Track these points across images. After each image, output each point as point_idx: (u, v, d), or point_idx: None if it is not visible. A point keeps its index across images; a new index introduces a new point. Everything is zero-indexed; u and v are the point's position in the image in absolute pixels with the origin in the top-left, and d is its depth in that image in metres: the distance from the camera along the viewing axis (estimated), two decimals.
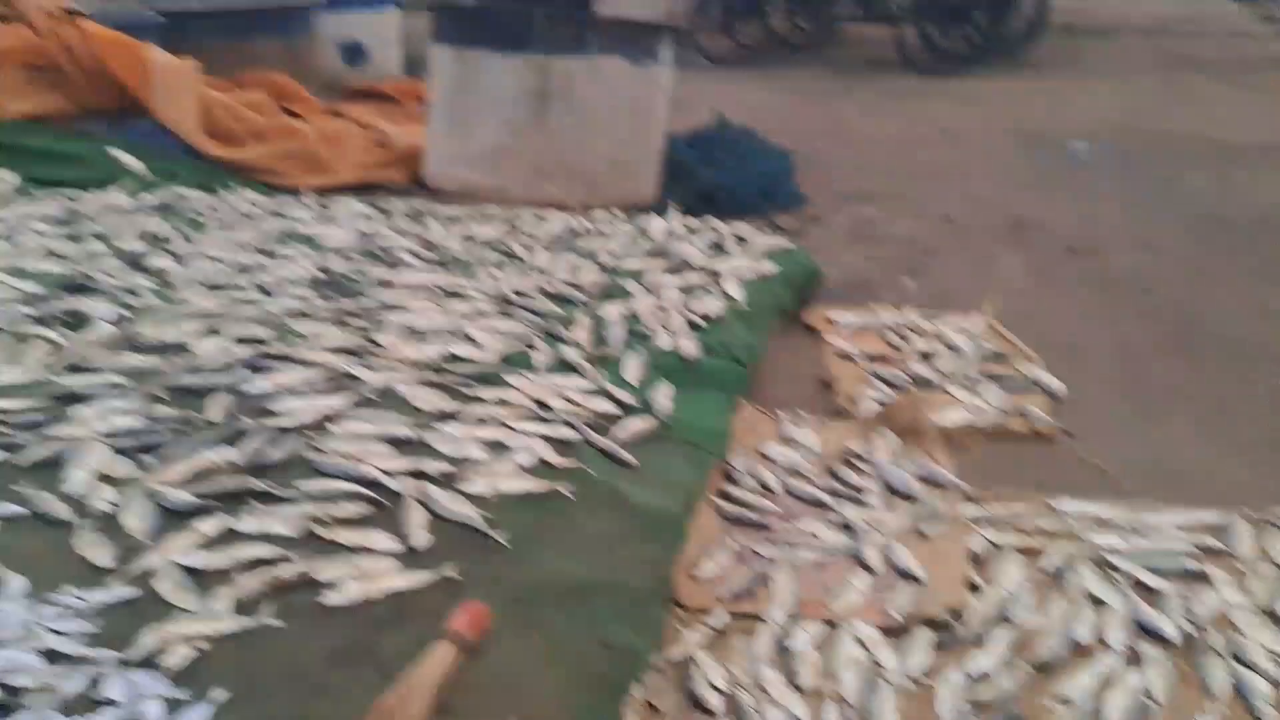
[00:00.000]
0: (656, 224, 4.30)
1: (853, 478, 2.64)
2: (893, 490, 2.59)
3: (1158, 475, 2.77)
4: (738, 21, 11.10)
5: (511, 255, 4.02)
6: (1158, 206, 5.43)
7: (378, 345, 3.01)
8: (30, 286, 3.35)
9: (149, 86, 5.11)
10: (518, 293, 3.52)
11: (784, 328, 3.64)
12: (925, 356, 3.42)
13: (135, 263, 3.69)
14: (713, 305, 3.44)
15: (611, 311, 3.37)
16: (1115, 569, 2.27)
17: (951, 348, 3.48)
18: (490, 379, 2.82)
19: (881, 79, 9.37)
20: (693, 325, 3.31)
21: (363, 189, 5.15)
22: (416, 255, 3.94)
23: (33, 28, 5.16)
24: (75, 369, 2.74)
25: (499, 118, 4.98)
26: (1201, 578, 2.27)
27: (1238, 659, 2.00)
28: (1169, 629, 2.07)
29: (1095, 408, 3.18)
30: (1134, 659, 2.00)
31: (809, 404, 3.08)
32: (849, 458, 2.73)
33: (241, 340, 3.00)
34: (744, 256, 3.95)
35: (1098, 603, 2.16)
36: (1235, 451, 2.94)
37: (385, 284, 3.59)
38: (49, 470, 2.25)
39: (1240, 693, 1.92)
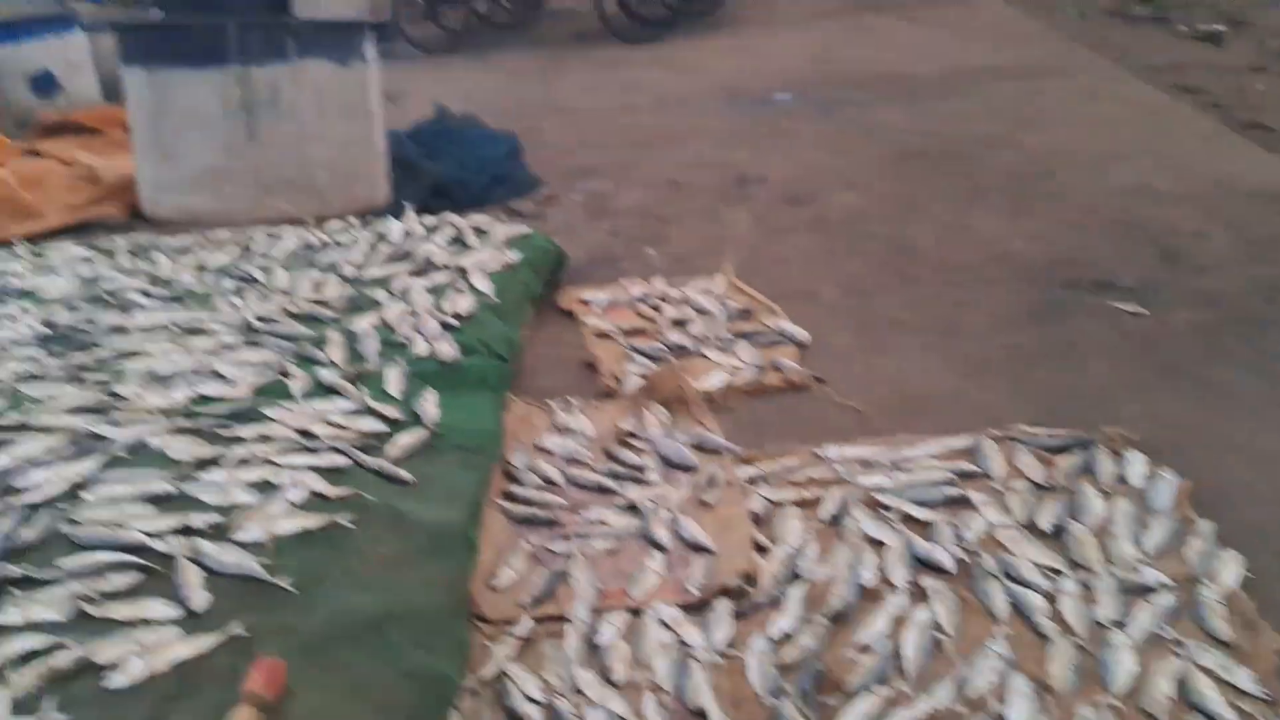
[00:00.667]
0: (394, 227, 4.29)
1: (631, 457, 2.76)
2: (670, 463, 2.73)
3: (905, 408, 3.00)
4: (442, 6, 11.03)
5: (250, 280, 3.91)
6: (859, 147, 5.87)
7: (120, 398, 2.90)
8: None
9: None
10: (262, 319, 3.46)
11: (538, 315, 3.74)
12: (678, 324, 3.59)
13: None
14: (463, 303, 3.49)
15: (363, 324, 3.37)
16: (886, 508, 2.47)
17: (701, 312, 3.68)
18: (247, 415, 2.78)
19: (591, 51, 9.57)
20: (446, 326, 3.34)
21: (78, 230, 4.87)
22: (147, 294, 3.80)
23: None
24: None
25: (206, 137, 4.80)
26: (964, 503, 2.49)
27: (1010, 577, 2.21)
28: (945, 559, 2.28)
29: (837, 350, 3.41)
30: (920, 594, 2.18)
31: (576, 389, 3.19)
32: (624, 437, 2.85)
33: None
34: (486, 248, 4.01)
35: (876, 544, 2.35)
36: (969, 373, 3.23)
37: (119, 330, 3.45)
38: None
39: (1019, 611, 2.12)
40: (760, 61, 8.49)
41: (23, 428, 2.73)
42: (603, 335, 3.56)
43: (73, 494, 2.41)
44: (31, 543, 2.23)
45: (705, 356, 3.36)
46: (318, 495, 2.39)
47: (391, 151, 5.15)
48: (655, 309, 3.73)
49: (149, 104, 4.88)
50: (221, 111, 4.74)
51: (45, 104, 9.05)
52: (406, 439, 2.68)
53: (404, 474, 2.51)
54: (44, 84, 9.18)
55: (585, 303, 3.83)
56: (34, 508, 2.35)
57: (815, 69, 8.00)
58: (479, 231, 4.23)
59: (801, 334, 3.49)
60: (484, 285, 3.65)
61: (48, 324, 3.53)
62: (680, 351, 3.41)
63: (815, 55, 8.53)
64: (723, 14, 10.51)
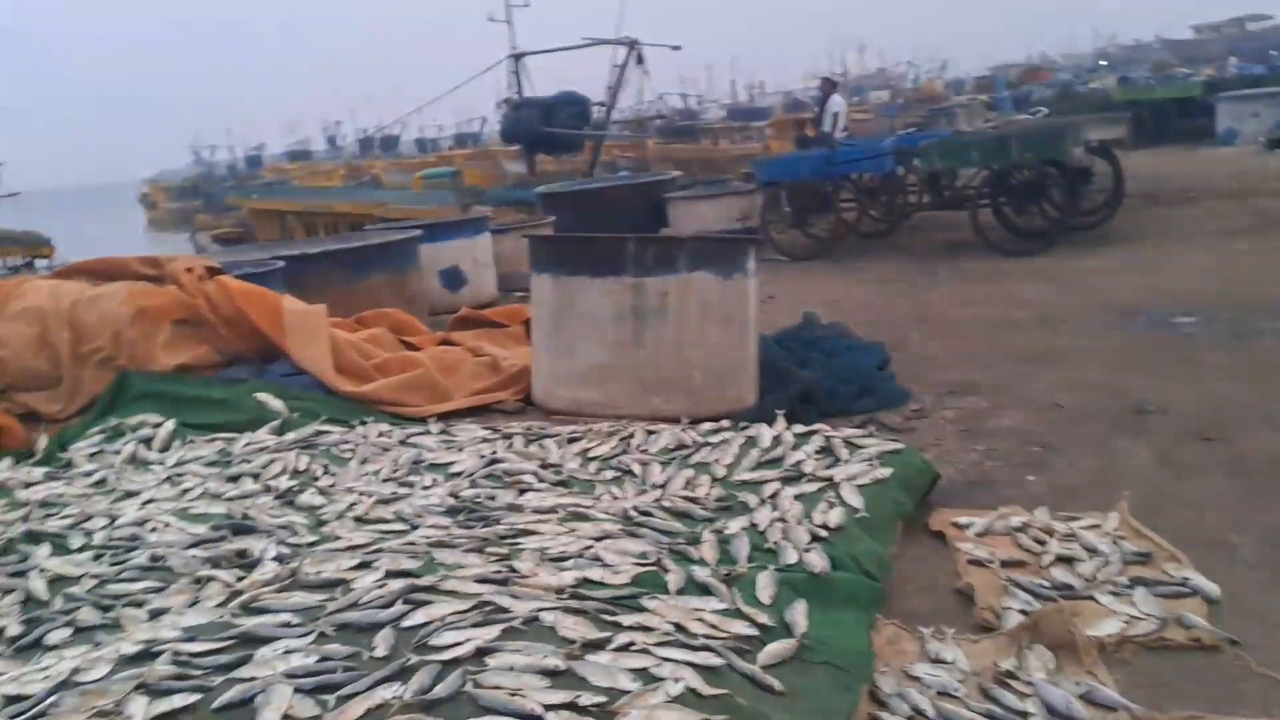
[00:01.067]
0: (765, 432, 4.47)
1: (1012, 700, 2.62)
2: (1055, 713, 2.57)
3: None
4: (809, 215, 11.53)
5: (628, 472, 4.21)
6: None
7: (517, 573, 3.17)
8: (198, 529, 3.64)
9: (285, 332, 5.58)
10: (640, 511, 3.67)
11: (906, 534, 3.70)
12: (1064, 561, 3.40)
13: (288, 500, 3.98)
14: (833, 515, 3.53)
15: (734, 526, 3.49)
16: None
17: (1091, 550, 3.47)
18: (627, 603, 2.93)
19: (963, 262, 9.48)
20: (816, 537, 3.39)
21: (479, 412, 5.46)
22: (539, 478, 4.16)
23: (180, 286, 5.71)
24: (251, 609, 2.94)
25: (599, 337, 5.29)
26: None
27: None
28: None
29: (1256, 610, 3.06)
30: None
31: (947, 616, 3.09)
32: (1003, 677, 2.72)
33: (392, 573, 3.19)
34: (857, 461, 4.07)
35: None
36: None
37: (515, 509, 3.79)
38: (237, 711, 2.41)
39: None
40: (1156, 279, 8.04)
41: (435, 590, 3.04)
42: (978, 563, 3.44)
43: (478, 658, 2.62)
44: (442, 698, 2.44)
45: (1096, 600, 3.15)
46: (692, 691, 2.45)
47: (761, 356, 5.40)
48: (1038, 541, 3.57)
49: (552, 305, 5.47)
50: (614, 315, 5.22)
51: (452, 296, 10.40)
52: (777, 647, 2.70)
53: (775, 682, 2.53)
54: (452, 278, 10.59)
55: (959, 526, 3.74)
56: (445, 665, 2.59)
57: (1223, 290, 7.41)
58: (849, 444, 4.29)
59: (1211, 588, 3.18)
60: (854, 499, 3.68)
61: (454, 496, 3.96)
62: (1067, 591, 3.21)
63: (1222, 275, 7.95)
64: (1111, 228, 10.10)
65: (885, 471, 3.92)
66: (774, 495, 3.79)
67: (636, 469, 4.21)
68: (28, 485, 4.44)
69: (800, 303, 6.27)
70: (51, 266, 22.56)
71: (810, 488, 3.83)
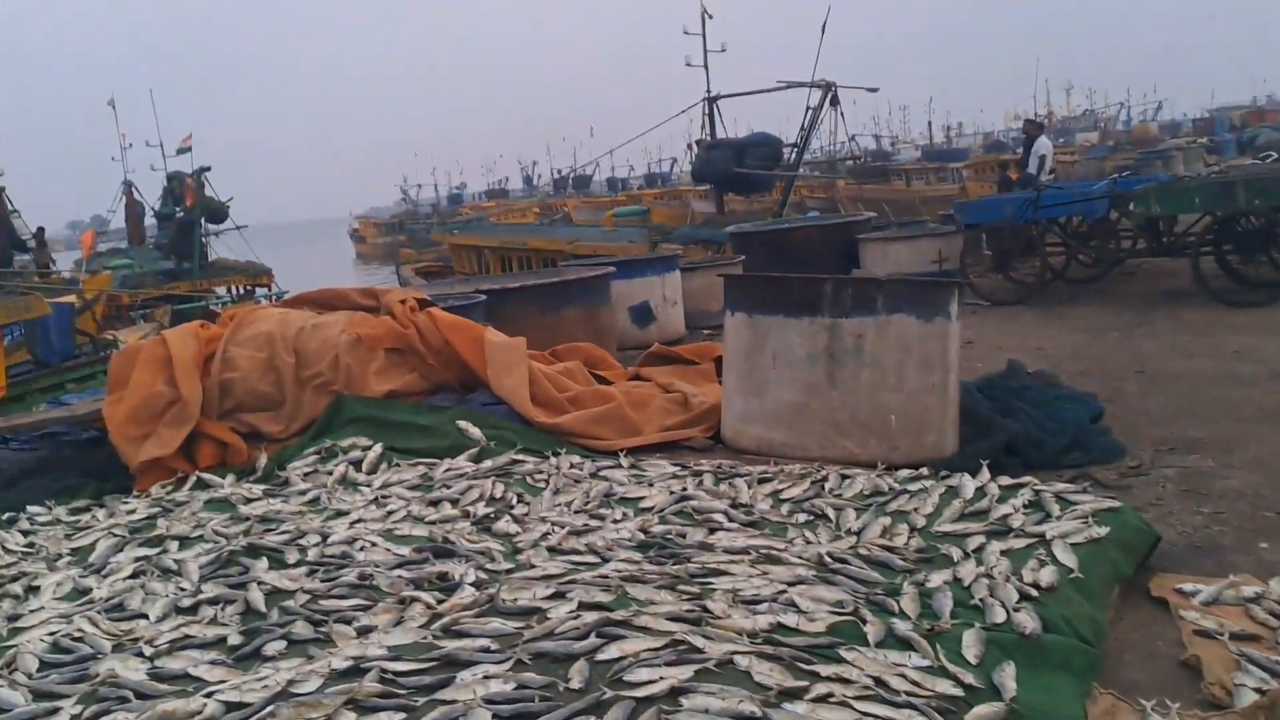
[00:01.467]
0: (968, 483, 4.30)
1: None
2: None
3: None
4: (1013, 259, 11.12)
5: (822, 516, 4.12)
6: None
7: (710, 613, 3.13)
8: (403, 550, 3.78)
9: (486, 362, 5.77)
10: (835, 557, 3.59)
11: (1124, 598, 3.48)
12: None
13: (485, 526, 4.09)
14: (1045, 574, 3.35)
15: (936, 579, 3.36)
16: None
17: None
18: (824, 652, 2.85)
19: (1183, 311, 8.93)
20: (1025, 596, 3.22)
21: (667, 447, 5.48)
22: (730, 517, 4.12)
23: (394, 317, 6.00)
24: (451, 632, 3.02)
25: (792, 377, 5.21)
26: None
27: None
28: None
29: None
30: None
31: (1170, 689, 2.88)
32: None
33: (585, 605, 3.22)
34: (1070, 518, 3.85)
35: None
36: None
37: (705, 547, 3.76)
38: None
39: None
40: None
41: (627, 625, 3.04)
42: (1205, 635, 3.18)
43: (672, 697, 2.60)
44: None
45: None
46: None
47: (962, 404, 5.20)
48: (1275, 615, 3.27)
49: (745, 344, 5.44)
50: (808, 356, 5.14)
51: (641, 332, 10.54)
52: (984, 711, 2.57)
53: None
54: (642, 314, 10.73)
55: (1183, 594, 3.47)
56: (639, 702, 2.58)
57: None
58: (1061, 499, 4.08)
59: None
60: (1067, 558, 3.48)
61: (645, 531, 3.98)
62: None
63: None
64: None
65: (1101, 530, 3.69)
66: (979, 549, 3.63)
67: (830, 513, 4.12)
68: (248, 501, 4.73)
69: (1002, 349, 6.02)
70: (270, 295, 24.28)
71: (1019, 543, 3.66)
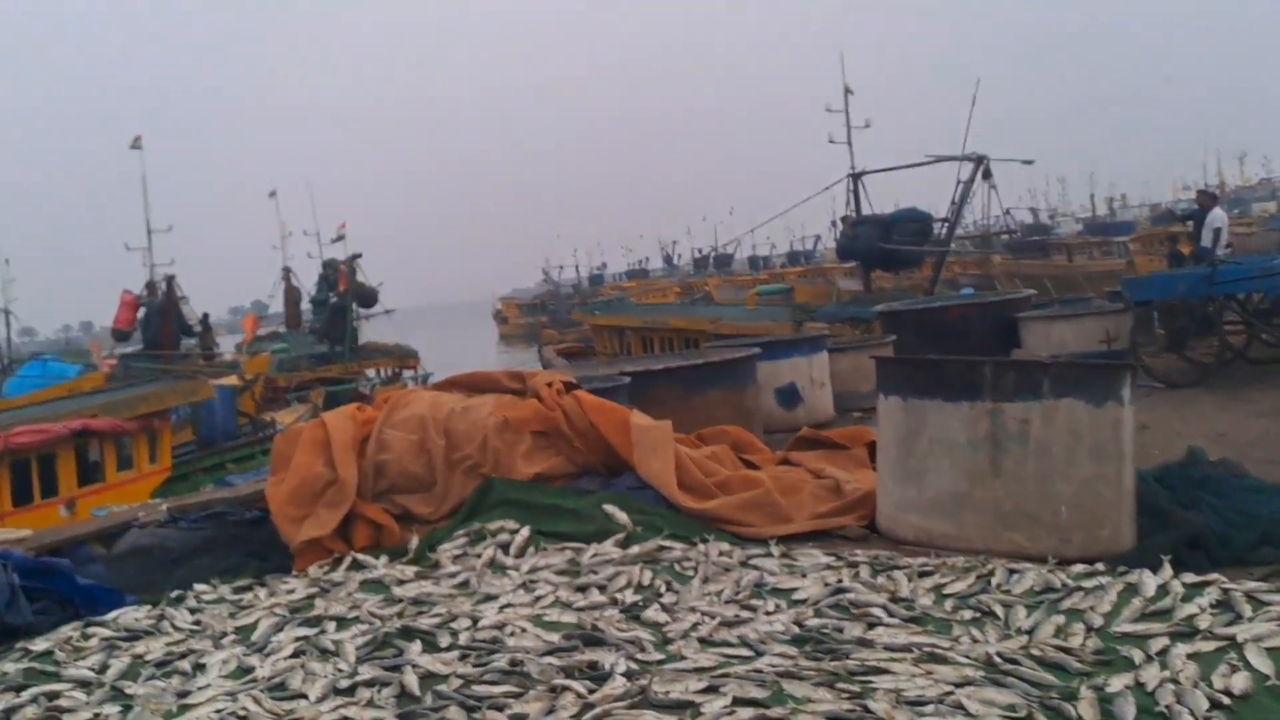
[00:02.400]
0: (1148, 580, 4.02)
1: None
2: None
3: None
4: (1188, 338, 10.55)
5: (989, 613, 3.91)
6: None
7: (871, 713, 2.99)
8: (552, 637, 3.75)
9: (632, 446, 5.76)
10: (1005, 657, 3.39)
11: None
12: None
13: (634, 615, 4.03)
14: (1238, 680, 3.10)
15: (1116, 684, 3.13)
16: None
17: None
18: None
19: None
20: (1216, 704, 2.98)
21: (819, 535, 5.32)
22: (889, 612, 3.95)
23: (540, 399, 6.06)
24: None
25: (951, 465, 5.00)
26: None
27: None
28: None
29: None
30: None
31: None
32: None
33: (740, 700, 3.11)
34: (1264, 620, 3.54)
35: None
36: None
37: (864, 643, 3.60)
38: None
39: None
40: None
41: None
42: None
43: None
44: None
45: None
46: None
47: (1138, 494, 4.89)
48: None
49: (900, 429, 5.26)
50: (968, 442, 4.93)
51: (788, 414, 10.38)
52: None
53: None
54: (789, 396, 10.58)
55: None
56: None
57: None
58: (1252, 599, 3.76)
59: None
60: (1263, 663, 3.20)
61: (799, 625, 3.84)
62: None
63: None
64: None
65: None
66: (1163, 652, 3.38)
67: (999, 610, 3.90)
68: (401, 583, 4.80)
69: (1180, 435, 5.66)
70: (416, 377, 25.13)
71: (1207, 646, 3.39)
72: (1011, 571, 4.30)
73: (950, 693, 3.10)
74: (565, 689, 3.25)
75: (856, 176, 25.19)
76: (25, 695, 3.72)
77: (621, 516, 5.26)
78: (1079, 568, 4.30)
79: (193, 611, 4.71)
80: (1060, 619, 3.74)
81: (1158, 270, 18.84)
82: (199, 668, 3.88)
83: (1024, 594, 4.05)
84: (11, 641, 4.47)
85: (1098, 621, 3.69)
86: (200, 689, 3.63)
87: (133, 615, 4.65)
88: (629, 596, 4.28)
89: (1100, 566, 4.30)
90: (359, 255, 28.52)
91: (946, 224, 22.62)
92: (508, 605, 4.28)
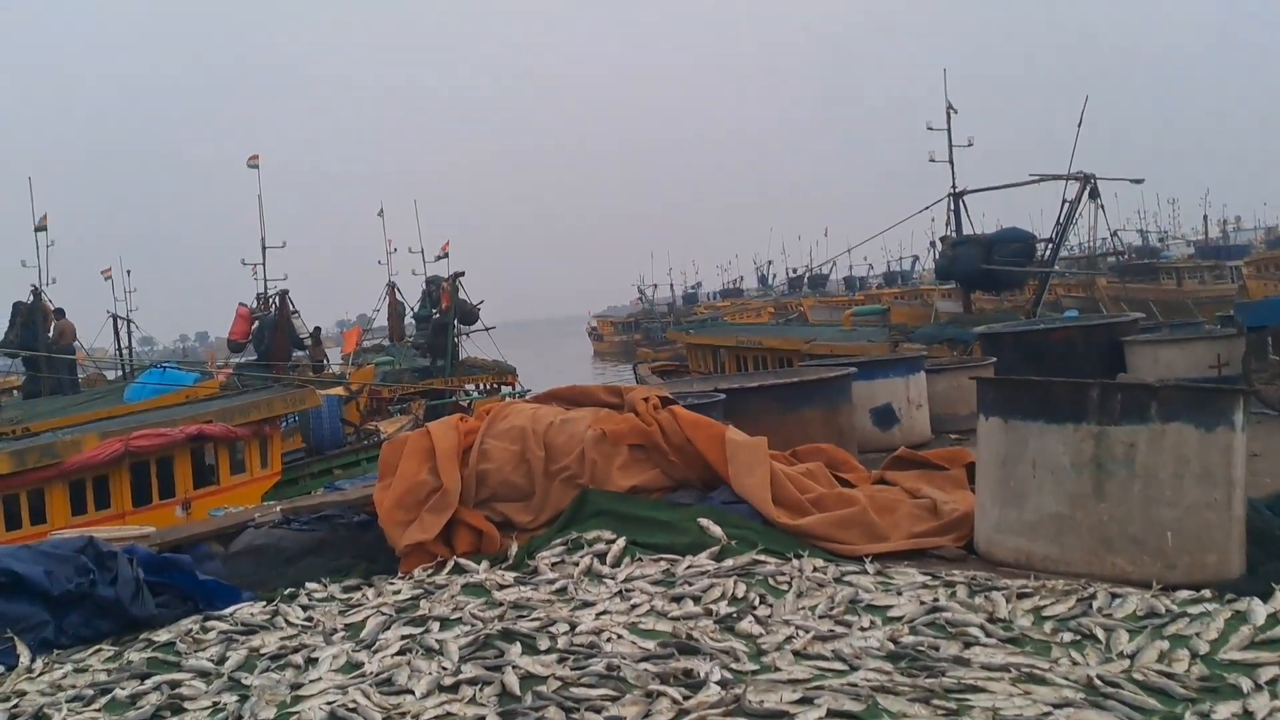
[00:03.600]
0: (1258, 608, 3.91)
1: None
2: None
3: None
4: None
5: (1090, 636, 3.86)
6: None
7: None
8: (648, 644, 3.83)
9: (727, 461, 5.81)
10: (1106, 680, 3.35)
11: None
12: None
13: (728, 626, 4.08)
14: None
15: (1222, 711, 3.07)
16: None
17: None
18: None
19: None
20: None
21: (914, 555, 5.29)
22: (986, 631, 3.92)
23: (637, 414, 6.16)
24: None
25: (1053, 487, 4.93)
26: None
27: None
28: None
29: None
30: None
31: None
32: None
33: (834, 713, 3.14)
34: None
35: None
36: None
37: (960, 662, 3.59)
38: None
39: None
40: None
41: None
42: None
43: None
44: None
45: None
46: None
47: (1249, 522, 4.76)
48: None
49: (1001, 451, 5.20)
50: (1072, 465, 4.86)
51: (884, 434, 10.29)
52: None
53: None
54: (885, 416, 10.49)
55: None
56: None
57: None
58: None
59: None
60: None
61: (894, 641, 3.84)
62: None
63: None
64: None
65: None
66: (1273, 681, 3.28)
67: (1100, 634, 3.84)
68: (501, 587, 4.92)
69: None
70: (514, 392, 25.53)
71: None
72: (1114, 596, 4.23)
73: (1049, 713, 3.09)
74: (661, 694, 3.31)
75: (958, 195, 24.81)
76: (149, 683, 3.95)
77: (716, 530, 5.31)
78: (1184, 594, 4.22)
79: (305, 608, 4.91)
80: (1164, 644, 3.67)
81: (1272, 295, 18.13)
82: (311, 661, 4.05)
83: (1126, 618, 3.99)
84: (136, 633, 4.73)
85: (1204, 648, 3.61)
86: (312, 681, 3.79)
87: (249, 610, 4.88)
88: (723, 608, 4.33)
89: (1207, 593, 4.20)
90: (461, 274, 29.18)
91: (1050, 245, 22.12)
92: (604, 612, 4.36)
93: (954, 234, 24.42)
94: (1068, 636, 3.87)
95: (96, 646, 4.60)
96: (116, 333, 28.27)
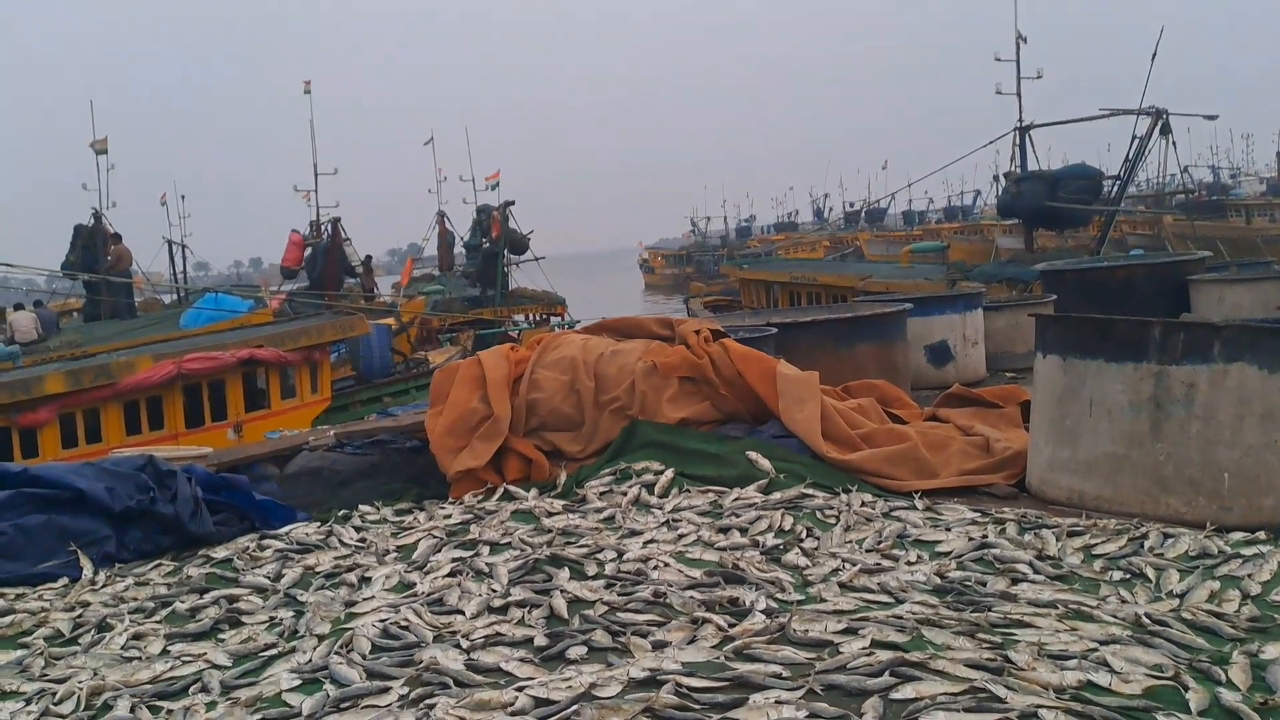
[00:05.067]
0: None
1: None
2: None
3: None
4: None
5: (1139, 575, 3.83)
6: None
7: (1012, 664, 2.98)
8: (694, 573, 3.87)
9: (778, 395, 5.80)
10: (1154, 619, 3.32)
11: None
12: None
13: (774, 557, 4.11)
14: None
15: (1272, 651, 3.03)
16: None
17: None
18: (1139, 716, 2.65)
19: None
20: None
21: (965, 492, 5.27)
22: (1035, 568, 3.90)
23: (688, 346, 6.15)
24: (743, 655, 3.05)
25: (1110, 426, 4.87)
26: None
27: None
28: None
29: None
30: None
31: None
32: None
33: (879, 643, 3.15)
34: None
35: None
36: None
37: (1007, 597, 3.59)
38: None
39: None
40: None
41: (922, 667, 2.94)
42: None
43: None
44: None
45: None
46: None
47: None
48: None
49: (1057, 389, 5.14)
50: (1128, 404, 4.79)
51: (938, 371, 10.21)
52: None
53: None
54: (940, 353, 10.40)
55: None
56: None
57: None
58: None
59: None
60: None
61: (941, 576, 3.84)
62: None
63: None
64: None
65: None
66: None
67: (1150, 573, 3.81)
68: (550, 514, 4.99)
69: None
70: (563, 323, 25.61)
71: None
72: (1166, 535, 4.19)
73: (1094, 649, 3.06)
74: (706, 621, 3.35)
75: (1024, 130, 24.17)
76: (208, 598, 4.08)
77: (765, 463, 5.32)
78: (1238, 535, 4.16)
79: (358, 530, 5.02)
80: (1215, 584, 3.64)
81: None
82: (364, 580, 4.16)
83: (1178, 558, 3.95)
84: (195, 549, 4.88)
85: (1255, 589, 3.57)
86: (365, 599, 3.90)
87: (304, 530, 5.00)
88: (770, 540, 4.35)
89: (1261, 535, 4.14)
90: (511, 203, 29.12)
91: (1118, 182, 21.53)
92: (651, 541, 4.41)
93: (1018, 169, 23.85)
94: (1117, 575, 3.85)
95: (157, 561, 4.76)
96: (171, 258, 28.79)
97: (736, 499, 4.98)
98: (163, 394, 12.30)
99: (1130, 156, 21.10)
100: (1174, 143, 20.86)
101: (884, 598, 3.64)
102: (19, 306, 21.60)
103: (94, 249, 21.49)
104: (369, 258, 28.01)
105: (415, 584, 4.03)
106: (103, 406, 11.78)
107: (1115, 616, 3.37)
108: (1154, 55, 21.31)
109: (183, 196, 39.62)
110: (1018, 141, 24.10)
